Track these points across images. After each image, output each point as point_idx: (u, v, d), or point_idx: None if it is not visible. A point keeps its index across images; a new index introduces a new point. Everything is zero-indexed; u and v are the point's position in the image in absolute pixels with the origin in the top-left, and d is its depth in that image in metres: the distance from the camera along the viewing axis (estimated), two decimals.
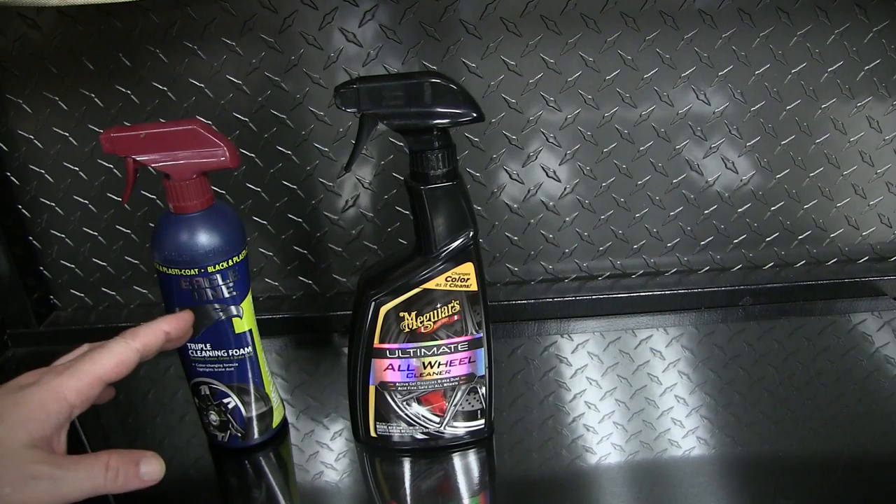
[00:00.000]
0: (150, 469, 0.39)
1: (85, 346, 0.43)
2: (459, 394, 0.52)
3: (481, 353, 0.51)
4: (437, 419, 0.53)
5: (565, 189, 0.69)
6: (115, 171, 0.67)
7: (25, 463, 0.35)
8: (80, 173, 0.67)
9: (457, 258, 0.48)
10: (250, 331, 0.51)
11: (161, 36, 0.61)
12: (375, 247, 0.71)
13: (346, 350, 0.53)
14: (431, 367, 0.51)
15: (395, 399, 0.52)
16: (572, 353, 0.66)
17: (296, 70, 0.63)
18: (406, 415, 0.52)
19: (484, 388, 0.52)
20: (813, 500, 0.48)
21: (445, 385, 0.51)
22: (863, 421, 0.56)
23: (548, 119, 0.65)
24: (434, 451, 0.54)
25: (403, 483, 0.52)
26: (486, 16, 0.61)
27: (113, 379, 0.40)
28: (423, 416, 0.52)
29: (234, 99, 0.64)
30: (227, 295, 0.49)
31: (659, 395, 0.59)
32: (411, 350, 0.50)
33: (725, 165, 0.68)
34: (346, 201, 0.68)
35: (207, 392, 0.52)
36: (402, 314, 0.49)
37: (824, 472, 0.51)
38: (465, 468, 0.53)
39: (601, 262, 0.73)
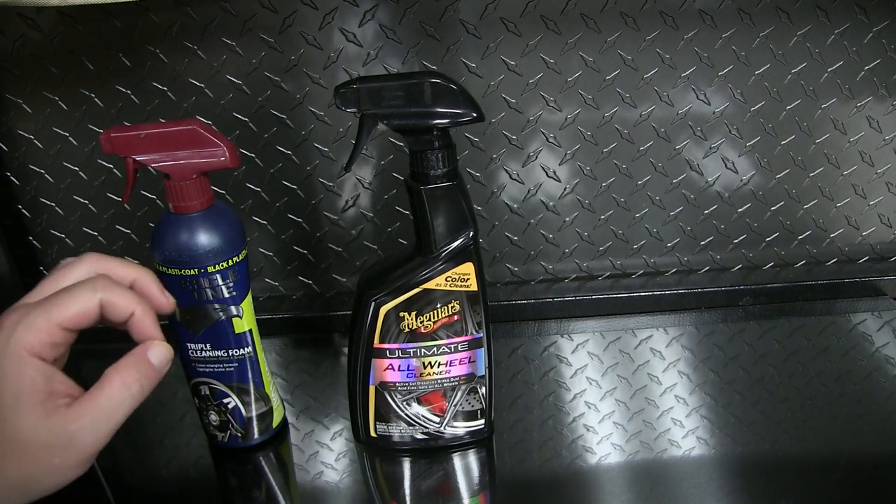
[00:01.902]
0: (160, 358, 0.39)
1: (61, 264, 0.40)
2: (459, 394, 0.52)
3: (481, 353, 0.51)
4: (437, 419, 0.53)
5: (565, 189, 0.69)
6: (115, 171, 0.67)
7: (53, 432, 0.35)
8: (80, 173, 0.67)
9: (457, 258, 0.48)
10: (250, 331, 0.51)
11: (161, 36, 0.61)
12: (375, 247, 0.71)
13: (346, 350, 0.53)
14: (431, 367, 0.51)
15: (395, 399, 0.52)
16: (572, 353, 0.66)
17: (296, 70, 0.63)
18: (406, 415, 0.52)
19: (484, 388, 0.52)
20: (813, 500, 0.48)
21: (445, 385, 0.51)
22: (863, 421, 0.56)
23: (548, 119, 0.65)
24: (434, 451, 0.54)
25: (403, 483, 0.52)
26: (486, 16, 0.61)
27: (72, 327, 0.37)
28: (423, 416, 0.52)
29: (234, 99, 0.64)
30: (227, 295, 0.49)
31: (659, 395, 0.59)
32: (411, 350, 0.50)
33: (725, 165, 0.68)
34: (346, 201, 0.68)
35: (207, 392, 0.52)
36: (402, 314, 0.49)
37: (824, 472, 0.51)
38: (465, 468, 0.53)
39: (601, 262, 0.73)
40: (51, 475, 0.35)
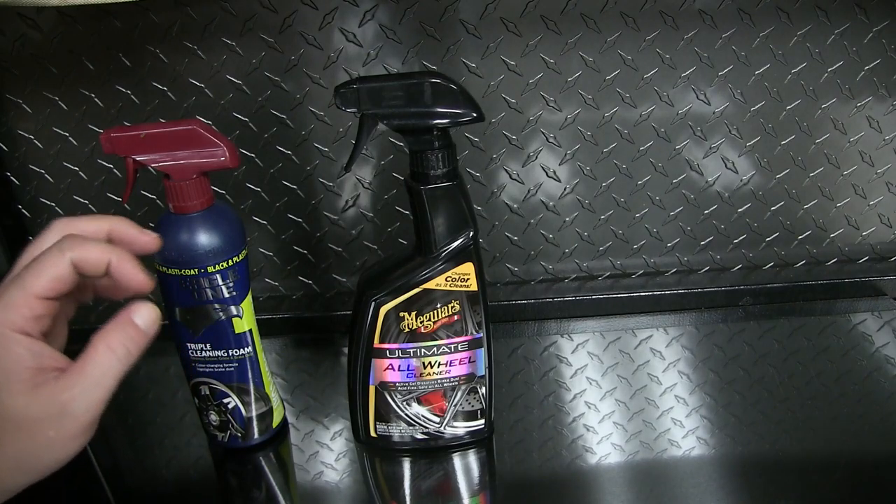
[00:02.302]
0: (145, 319, 0.38)
1: (31, 242, 0.39)
2: (459, 394, 0.52)
3: (481, 353, 0.51)
4: (437, 419, 0.53)
5: (565, 189, 0.69)
6: (115, 171, 0.67)
7: (44, 406, 0.34)
8: (80, 173, 0.67)
9: (457, 258, 0.48)
10: (250, 331, 0.51)
11: (161, 36, 0.61)
12: (375, 247, 0.71)
13: (346, 350, 0.53)
14: (431, 367, 0.51)
15: (395, 399, 0.52)
16: (572, 353, 0.66)
17: (296, 70, 0.63)
18: (406, 415, 0.52)
19: (484, 388, 0.52)
20: (813, 500, 0.48)
21: (445, 385, 0.51)
22: (863, 421, 0.56)
23: (548, 119, 0.65)
24: (434, 451, 0.54)
25: (403, 483, 0.52)
26: (486, 16, 0.61)
27: (50, 295, 0.36)
28: (423, 416, 0.52)
29: (234, 99, 0.64)
30: (227, 295, 0.49)
31: (659, 395, 0.59)
32: (411, 350, 0.50)
33: (725, 165, 0.68)
34: (346, 201, 0.68)
35: (207, 392, 0.52)
36: (402, 314, 0.49)
37: (824, 472, 0.51)
38: (465, 468, 0.53)
39: (601, 262, 0.73)
40: (50, 449, 0.35)
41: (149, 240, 0.40)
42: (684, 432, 0.55)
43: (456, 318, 0.49)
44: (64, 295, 0.37)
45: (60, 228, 0.39)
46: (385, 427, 0.53)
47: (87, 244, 0.37)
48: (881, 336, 0.66)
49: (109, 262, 0.37)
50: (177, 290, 0.48)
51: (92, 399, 0.35)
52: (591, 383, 0.61)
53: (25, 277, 0.36)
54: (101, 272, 0.37)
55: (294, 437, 0.57)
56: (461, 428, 0.53)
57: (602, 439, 0.55)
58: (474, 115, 0.45)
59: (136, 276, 0.38)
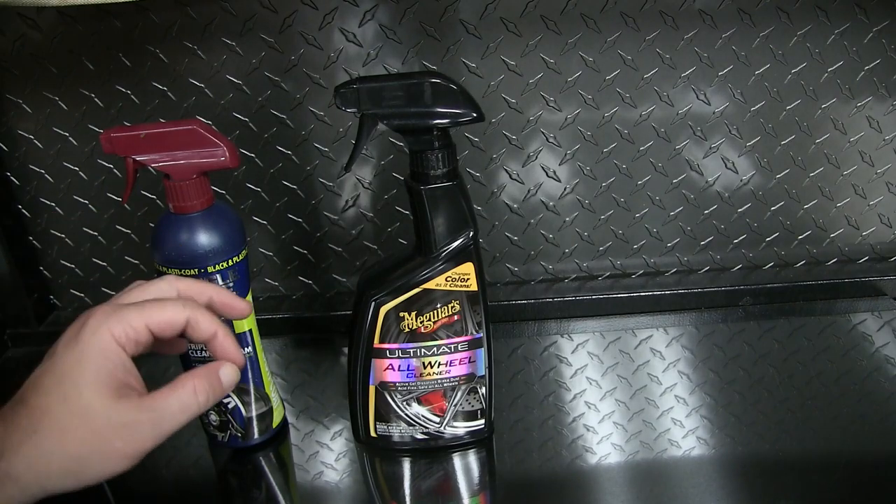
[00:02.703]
0: (229, 377, 0.41)
1: (137, 283, 0.43)
2: (459, 394, 0.52)
3: (481, 353, 0.51)
4: (437, 419, 0.53)
5: (565, 189, 0.69)
6: (115, 171, 0.67)
7: (121, 415, 0.36)
8: (80, 173, 0.67)
9: (457, 258, 0.48)
10: (250, 331, 0.51)
11: (161, 36, 0.61)
12: (375, 247, 0.71)
13: (346, 350, 0.53)
14: (431, 367, 0.51)
15: (395, 399, 0.52)
16: (572, 353, 0.66)
17: (296, 70, 0.63)
18: (406, 415, 0.52)
19: (484, 388, 0.52)
20: (813, 500, 0.48)
21: (445, 385, 0.51)
22: (863, 421, 0.56)
23: (548, 119, 0.65)
24: (434, 451, 0.54)
25: (403, 483, 0.52)
26: (486, 16, 0.61)
27: (157, 332, 0.39)
28: (423, 416, 0.52)
29: (234, 99, 0.64)
30: None
31: (659, 395, 0.59)
32: (411, 350, 0.50)
33: (725, 165, 0.68)
34: (346, 201, 0.68)
35: None
36: (402, 314, 0.49)
37: (824, 472, 0.51)
38: (465, 468, 0.53)
39: (601, 262, 0.73)
40: (107, 461, 0.36)
41: (244, 307, 0.44)
42: (684, 432, 0.55)
43: (456, 318, 0.49)
44: (160, 339, 0.40)
45: (171, 281, 0.42)
46: (385, 427, 0.53)
47: (204, 313, 0.41)
48: (881, 336, 0.66)
49: (216, 333, 0.41)
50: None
51: (161, 428, 0.38)
52: (591, 383, 0.61)
53: (147, 307, 0.39)
54: (204, 339, 0.41)
55: (294, 437, 0.57)
56: (461, 428, 0.53)
57: (602, 439, 0.55)
58: (474, 115, 0.45)
59: (235, 352, 0.42)
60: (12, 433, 0.35)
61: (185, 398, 0.39)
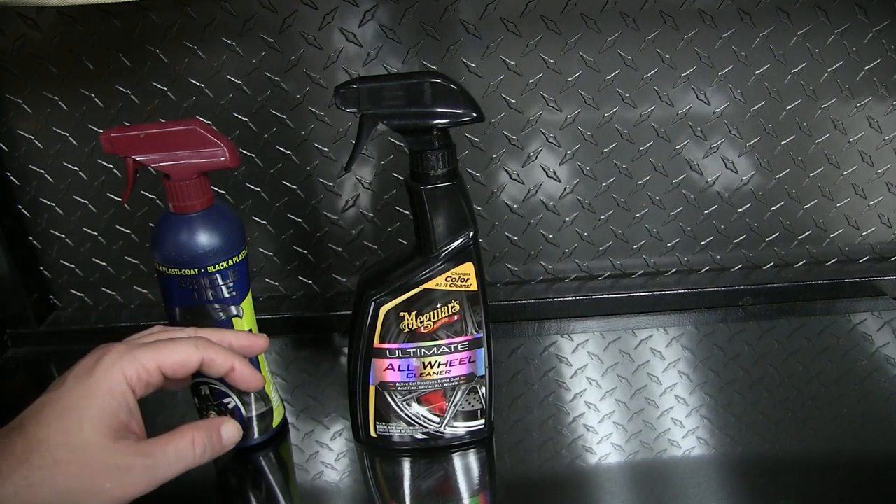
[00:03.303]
0: (230, 435, 0.42)
1: (157, 328, 0.44)
2: (459, 394, 0.52)
3: (481, 353, 0.51)
4: (437, 419, 0.53)
5: (565, 189, 0.69)
6: (115, 171, 0.67)
7: (117, 456, 0.36)
8: (80, 173, 0.67)
9: (457, 258, 0.48)
10: (250, 331, 0.51)
11: (161, 36, 0.61)
12: (375, 247, 0.71)
13: (346, 350, 0.53)
14: (431, 367, 0.51)
15: (395, 399, 0.52)
16: (572, 353, 0.66)
17: (296, 70, 0.63)
18: (406, 415, 0.52)
19: (484, 388, 0.52)
20: (813, 500, 0.48)
21: (445, 385, 0.51)
22: (863, 421, 0.56)
23: (548, 119, 0.65)
24: (434, 451, 0.54)
25: (403, 483, 0.52)
26: (486, 16, 0.61)
27: (170, 373, 0.40)
28: (423, 416, 0.52)
29: (234, 99, 0.64)
30: (227, 295, 0.49)
31: (659, 395, 0.59)
32: (411, 350, 0.50)
33: (725, 165, 0.68)
34: (346, 201, 0.68)
35: (207, 392, 0.52)
36: (402, 314, 0.49)
37: (824, 472, 0.51)
38: (465, 468, 0.53)
39: (601, 262, 0.73)
40: (93, 498, 0.36)
41: (262, 343, 0.46)
42: (684, 432, 0.55)
43: (456, 318, 0.49)
44: (178, 377, 0.41)
45: (191, 330, 0.44)
46: (385, 427, 0.53)
47: (217, 349, 0.42)
48: (881, 336, 0.66)
49: (233, 367, 0.42)
50: (177, 290, 0.48)
51: (155, 475, 0.38)
52: (591, 383, 0.61)
53: (160, 348, 0.40)
54: (223, 374, 0.42)
55: (294, 437, 0.57)
56: (461, 428, 0.53)
57: (602, 439, 0.55)
58: (474, 115, 0.45)
59: (254, 379, 0.44)
60: (4, 459, 0.35)
61: (183, 449, 0.39)
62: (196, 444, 0.39)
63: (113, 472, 0.36)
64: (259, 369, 0.53)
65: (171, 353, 0.40)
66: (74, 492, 0.36)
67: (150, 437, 0.39)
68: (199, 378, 0.52)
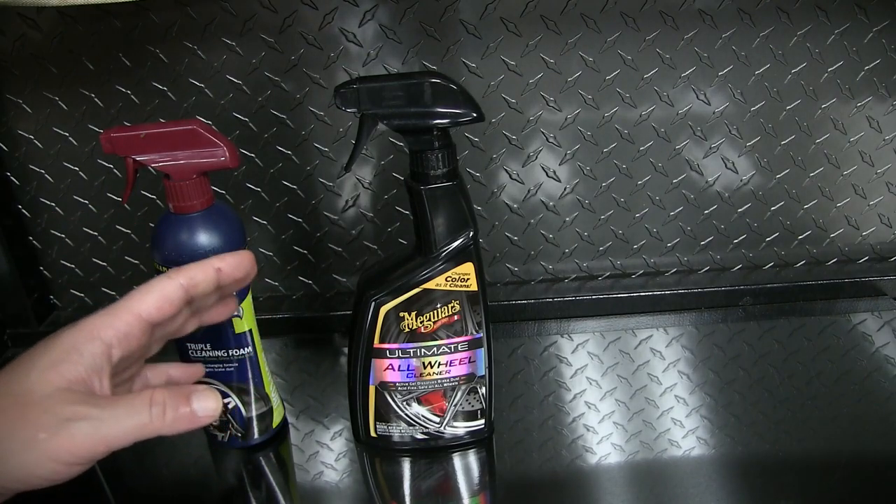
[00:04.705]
0: (204, 405, 0.36)
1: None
2: (459, 394, 0.52)
3: (481, 353, 0.51)
4: (437, 419, 0.53)
5: (565, 189, 0.69)
6: (115, 171, 0.67)
7: (59, 405, 0.32)
8: (80, 173, 0.67)
9: (457, 258, 0.48)
10: (250, 331, 0.51)
11: (161, 36, 0.61)
12: (375, 247, 0.71)
13: (346, 350, 0.53)
14: (431, 367, 0.51)
15: (395, 399, 0.52)
16: (572, 353, 0.66)
17: (296, 70, 0.63)
18: (406, 415, 0.52)
19: (484, 388, 0.52)
20: (813, 500, 0.48)
21: (445, 385, 0.51)
22: (863, 421, 0.56)
23: (548, 119, 0.65)
24: (434, 451, 0.54)
25: (403, 483, 0.52)
26: (486, 16, 0.61)
27: (156, 316, 0.36)
28: (423, 416, 0.52)
29: (234, 99, 0.64)
30: None
31: (659, 395, 0.59)
32: (411, 350, 0.50)
33: (725, 165, 0.68)
34: (346, 201, 0.68)
35: None
36: (402, 314, 0.49)
37: (824, 472, 0.51)
38: (465, 468, 0.53)
39: (601, 262, 0.73)
40: (26, 452, 0.32)
41: (250, 259, 0.41)
42: (684, 432, 0.55)
43: (456, 318, 0.49)
44: (166, 318, 0.37)
45: (171, 273, 0.40)
46: (385, 427, 0.53)
47: (191, 267, 0.38)
48: (881, 336, 0.66)
49: (217, 267, 0.38)
50: None
51: (99, 429, 0.33)
52: (591, 383, 0.61)
53: (133, 295, 0.36)
54: (213, 284, 0.38)
55: (294, 437, 0.57)
56: (461, 428, 0.53)
57: (602, 439, 0.55)
58: (474, 115, 0.45)
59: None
60: None
61: (138, 407, 0.34)
62: (154, 403, 0.34)
63: (50, 423, 0.32)
64: (260, 368, 0.53)
65: (145, 293, 0.36)
66: (6, 440, 0.32)
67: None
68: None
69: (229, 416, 0.53)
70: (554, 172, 0.68)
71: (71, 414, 0.32)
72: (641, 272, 0.73)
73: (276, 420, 0.56)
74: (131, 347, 0.36)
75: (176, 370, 0.44)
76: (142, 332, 0.36)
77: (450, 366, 0.51)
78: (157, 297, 0.37)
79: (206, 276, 0.38)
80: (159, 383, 0.43)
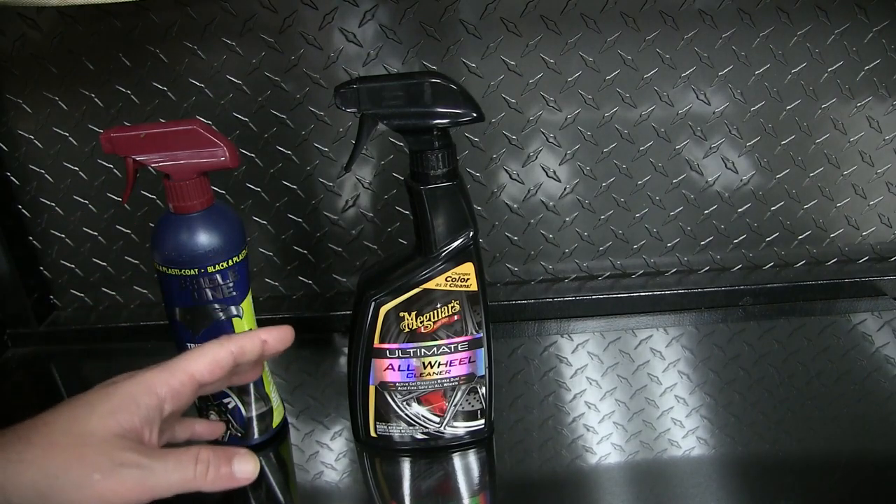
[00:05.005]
0: (244, 467, 0.39)
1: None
2: (459, 394, 0.52)
3: (481, 353, 0.51)
4: (437, 419, 0.53)
5: (565, 189, 0.69)
6: (115, 171, 0.67)
7: (114, 451, 0.35)
8: (80, 173, 0.67)
9: (457, 258, 0.48)
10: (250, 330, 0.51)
11: (161, 36, 0.61)
12: (375, 247, 0.71)
13: (346, 350, 0.53)
14: (431, 367, 0.51)
15: (395, 399, 0.52)
16: (572, 353, 0.66)
17: (296, 70, 0.63)
18: (406, 415, 0.52)
19: (484, 388, 0.52)
20: (813, 500, 0.48)
21: (445, 385, 0.51)
22: (863, 421, 0.56)
23: (548, 119, 0.65)
24: (434, 451, 0.54)
25: (403, 483, 0.52)
26: (486, 16, 0.61)
27: (207, 379, 0.40)
28: (423, 416, 0.52)
29: (234, 99, 0.64)
30: (227, 295, 0.49)
31: (659, 395, 0.59)
32: (411, 350, 0.50)
33: (725, 165, 0.68)
34: (346, 201, 0.68)
35: None
36: (402, 314, 0.49)
37: (824, 472, 0.51)
38: (465, 468, 0.53)
39: (601, 262, 0.73)
40: (78, 491, 0.34)
41: (290, 331, 0.45)
42: (684, 432, 0.55)
43: (456, 318, 0.49)
44: (215, 379, 0.41)
45: (222, 339, 0.43)
46: (385, 427, 0.53)
47: (240, 336, 0.43)
48: (881, 336, 0.66)
49: (264, 339, 0.42)
50: (177, 290, 0.48)
51: (147, 479, 0.35)
52: (591, 383, 0.61)
53: (188, 356, 0.40)
54: (258, 353, 0.42)
55: (294, 437, 0.57)
56: (461, 428, 0.53)
57: (602, 439, 0.55)
58: (474, 115, 0.45)
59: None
60: (5, 434, 0.35)
61: (184, 463, 0.37)
62: (199, 461, 0.37)
63: (104, 465, 0.35)
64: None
65: (199, 356, 0.40)
66: (61, 478, 0.34)
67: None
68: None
69: (229, 416, 0.53)
70: (554, 172, 0.68)
71: (125, 460, 0.35)
72: (641, 272, 0.73)
73: (276, 420, 0.56)
74: (180, 404, 0.40)
75: (201, 426, 0.48)
76: (192, 392, 0.40)
77: (450, 366, 0.51)
78: (210, 362, 0.40)
79: (254, 346, 0.42)
80: (185, 437, 0.46)
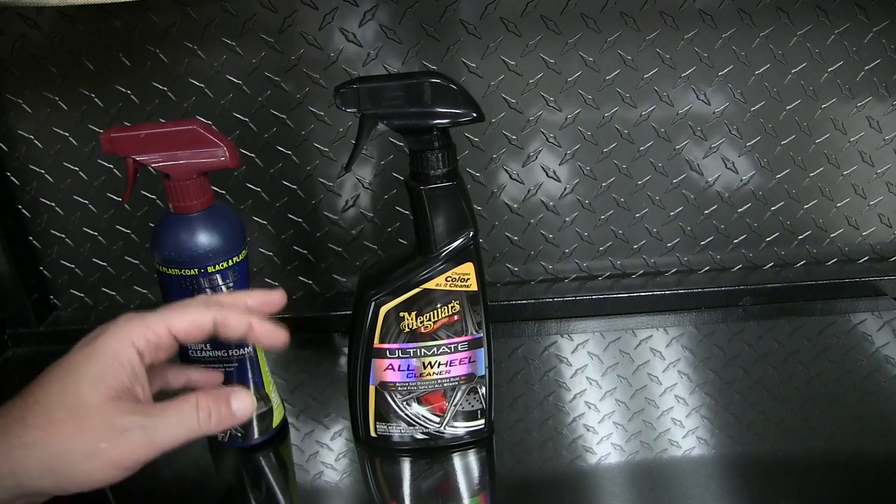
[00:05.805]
0: (242, 405, 0.39)
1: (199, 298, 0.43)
2: (459, 394, 0.52)
3: (481, 353, 0.51)
4: (437, 419, 0.53)
5: (565, 189, 0.69)
6: (115, 171, 0.67)
7: (114, 416, 0.35)
8: (80, 173, 0.67)
9: (457, 258, 0.48)
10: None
11: (161, 36, 0.61)
12: (375, 247, 0.71)
13: (346, 350, 0.53)
14: (431, 367, 0.51)
15: (395, 399, 0.52)
16: (572, 353, 0.66)
17: (296, 70, 0.63)
18: (406, 415, 0.52)
19: (484, 388, 0.52)
20: (813, 500, 0.48)
21: (445, 385, 0.51)
22: (863, 421, 0.56)
23: (548, 119, 0.65)
24: (434, 451, 0.54)
25: (403, 483, 0.52)
26: (486, 16, 0.61)
27: (183, 336, 0.39)
28: (423, 416, 0.52)
29: (234, 99, 0.64)
30: None
31: (659, 395, 0.59)
32: (411, 350, 0.50)
33: (725, 165, 0.68)
34: (346, 201, 0.68)
35: None
36: (402, 314, 0.49)
37: (824, 472, 0.51)
38: (465, 468, 0.53)
39: (601, 262, 0.73)
40: (88, 461, 0.34)
41: (279, 297, 0.44)
42: (684, 432, 0.55)
43: (456, 318, 0.49)
44: (193, 340, 0.40)
45: (204, 297, 0.43)
46: (385, 427, 0.53)
47: (231, 309, 0.41)
48: (881, 336, 0.66)
49: (250, 324, 0.41)
50: (177, 290, 0.48)
51: (155, 438, 0.36)
52: (591, 383, 0.61)
53: (169, 311, 0.39)
54: (240, 333, 0.40)
55: (294, 437, 0.57)
56: (461, 428, 0.53)
57: (602, 439, 0.55)
58: (474, 115, 0.45)
59: (276, 333, 0.42)
60: (4, 423, 0.34)
61: (186, 411, 0.37)
62: (201, 409, 0.37)
63: (109, 433, 0.34)
64: (259, 368, 0.53)
65: (182, 314, 0.39)
66: (69, 453, 0.34)
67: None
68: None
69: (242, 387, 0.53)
70: (554, 172, 0.68)
71: (127, 424, 0.35)
72: (641, 272, 0.73)
73: (276, 420, 0.56)
74: (160, 357, 0.39)
75: (197, 374, 0.46)
76: (171, 345, 0.39)
77: (450, 366, 0.51)
78: (190, 322, 0.39)
79: (239, 323, 0.41)
80: (179, 384, 0.45)
